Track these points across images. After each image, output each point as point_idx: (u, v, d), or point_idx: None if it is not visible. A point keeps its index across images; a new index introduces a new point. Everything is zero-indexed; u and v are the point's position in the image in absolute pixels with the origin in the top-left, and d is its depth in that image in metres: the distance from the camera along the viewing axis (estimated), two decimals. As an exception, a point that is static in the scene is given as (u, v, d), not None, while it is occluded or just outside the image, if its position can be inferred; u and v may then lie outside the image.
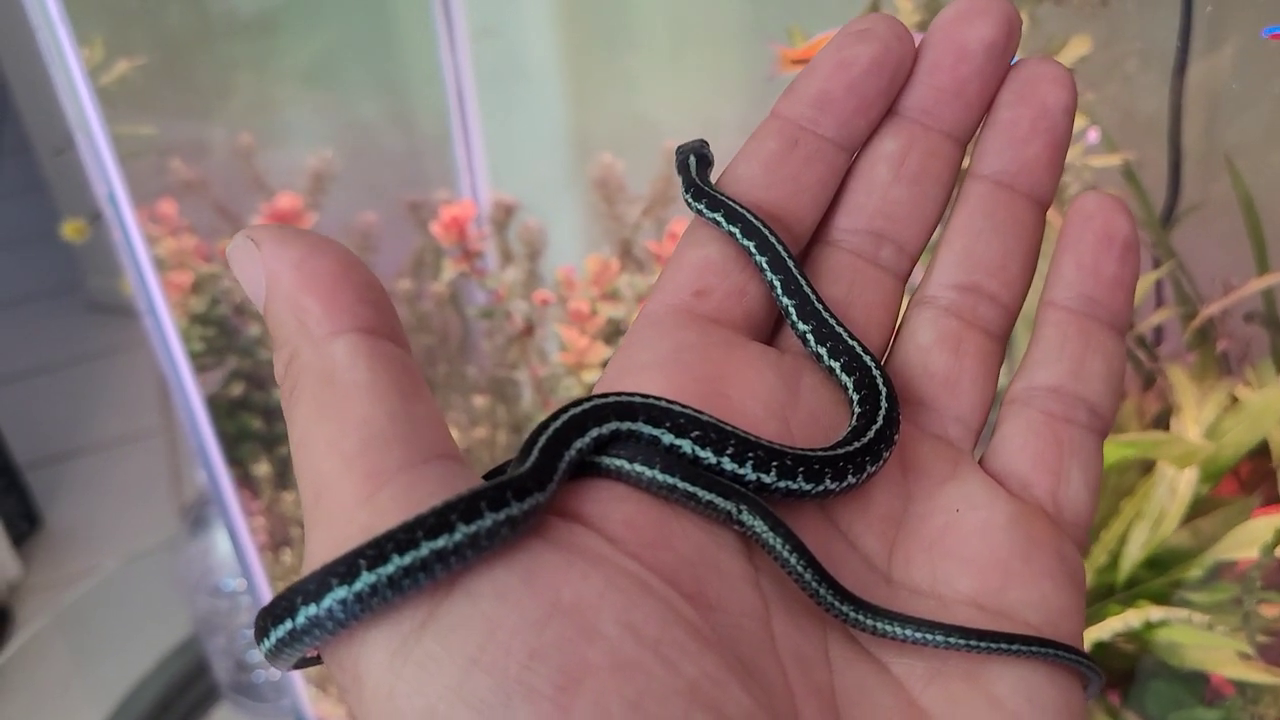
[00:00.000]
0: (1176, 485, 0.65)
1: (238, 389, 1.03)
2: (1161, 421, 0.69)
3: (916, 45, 0.37)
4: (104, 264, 1.94)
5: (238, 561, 1.00)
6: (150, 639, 1.39)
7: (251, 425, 1.02)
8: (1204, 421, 0.65)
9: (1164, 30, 0.76)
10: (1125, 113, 0.81)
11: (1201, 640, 0.62)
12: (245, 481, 0.98)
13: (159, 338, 0.84)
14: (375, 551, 0.24)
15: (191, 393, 0.86)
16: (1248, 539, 0.63)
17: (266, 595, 0.96)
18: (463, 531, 0.25)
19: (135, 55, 0.98)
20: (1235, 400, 0.66)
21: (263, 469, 1.01)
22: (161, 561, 1.48)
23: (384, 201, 1.10)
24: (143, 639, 1.40)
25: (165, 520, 1.63)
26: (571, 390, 0.92)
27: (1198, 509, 0.66)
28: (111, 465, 1.83)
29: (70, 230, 1.19)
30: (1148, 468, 0.68)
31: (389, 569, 0.24)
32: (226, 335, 1.04)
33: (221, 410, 0.96)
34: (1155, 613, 0.62)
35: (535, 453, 0.28)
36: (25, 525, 1.69)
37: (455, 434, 1.01)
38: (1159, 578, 0.65)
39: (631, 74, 1.07)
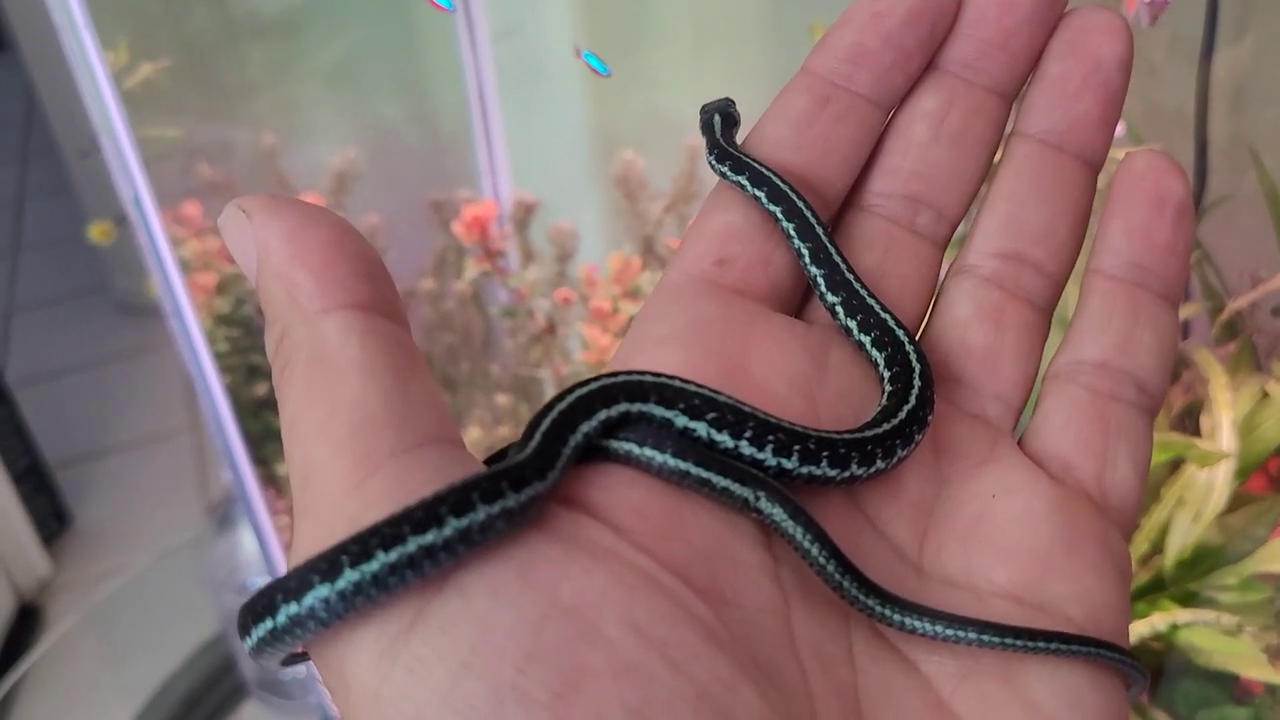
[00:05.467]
0: (1214, 480, 0.64)
1: (262, 389, 1.03)
2: (1190, 415, 0.69)
3: None
4: (131, 265, 1.95)
5: (264, 560, 1.01)
6: (178, 636, 1.40)
7: (276, 425, 1.02)
8: (1239, 413, 0.64)
9: (1190, 21, 0.75)
10: (1151, 105, 0.80)
11: (1225, 646, 0.61)
12: (270, 481, 0.98)
13: (184, 339, 0.84)
14: (359, 547, 0.23)
15: (217, 393, 0.87)
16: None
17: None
18: (453, 526, 0.23)
19: (159, 58, 0.99)
20: (1265, 395, 0.66)
21: (287, 468, 1.01)
22: (189, 559, 1.49)
23: (406, 201, 1.10)
24: (171, 636, 1.41)
25: (192, 518, 1.65)
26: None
27: (1227, 505, 0.65)
28: (139, 464, 1.85)
29: (97, 233, 1.20)
30: (1175, 464, 0.67)
31: (373, 566, 0.23)
32: (251, 335, 1.04)
33: (247, 410, 0.97)
34: (1183, 615, 0.61)
35: (537, 437, 0.26)
36: (55, 524, 1.70)
37: (478, 432, 1.01)
38: (1187, 575, 0.65)
39: (652, 71, 1.07)
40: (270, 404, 1.04)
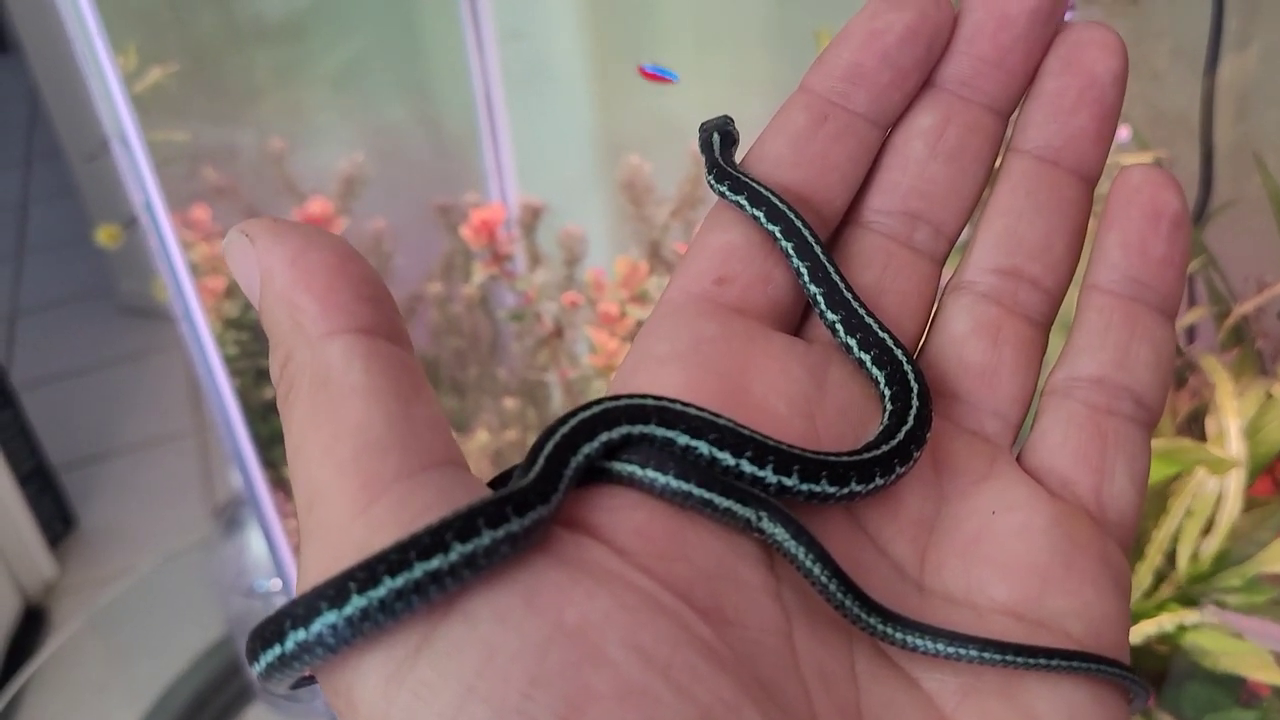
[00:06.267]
0: (1224, 489, 0.64)
1: (271, 392, 1.04)
2: (1195, 420, 0.69)
3: (955, 11, 0.35)
4: (135, 268, 1.96)
5: (272, 563, 1.01)
6: (185, 639, 1.40)
7: (285, 428, 1.02)
8: (1245, 417, 0.65)
9: (1194, 27, 0.75)
10: (1156, 110, 0.81)
11: (1232, 648, 0.61)
12: (279, 483, 0.99)
13: (194, 343, 0.85)
14: (366, 574, 0.23)
15: (227, 397, 0.87)
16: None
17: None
18: (459, 551, 0.23)
19: (167, 62, 0.99)
20: (1270, 398, 0.66)
21: (292, 490, 1.01)
22: (195, 562, 1.50)
23: (413, 205, 1.11)
24: (177, 639, 1.41)
25: (198, 521, 1.65)
26: (601, 392, 0.92)
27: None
28: (144, 467, 1.85)
29: (105, 236, 1.20)
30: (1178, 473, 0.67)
31: (380, 592, 0.23)
32: (259, 339, 1.05)
33: (255, 414, 0.97)
34: (1190, 616, 0.62)
35: (540, 461, 0.26)
36: (60, 526, 1.70)
37: (485, 436, 1.02)
38: (1196, 579, 0.65)
39: (658, 75, 1.07)
40: (277, 407, 1.04)
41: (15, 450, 1.62)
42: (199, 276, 0.98)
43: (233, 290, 1.03)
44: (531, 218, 0.98)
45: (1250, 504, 0.65)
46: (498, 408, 1.03)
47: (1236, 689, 0.65)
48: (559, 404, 1.01)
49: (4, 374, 1.67)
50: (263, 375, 1.05)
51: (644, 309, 0.90)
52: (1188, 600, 0.64)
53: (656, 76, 0.62)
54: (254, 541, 1.24)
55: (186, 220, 1.01)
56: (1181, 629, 0.62)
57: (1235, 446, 0.64)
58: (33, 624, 1.57)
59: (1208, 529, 0.64)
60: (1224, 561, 0.64)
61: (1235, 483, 0.63)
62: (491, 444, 1.00)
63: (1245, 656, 0.62)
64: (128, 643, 1.50)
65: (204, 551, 1.46)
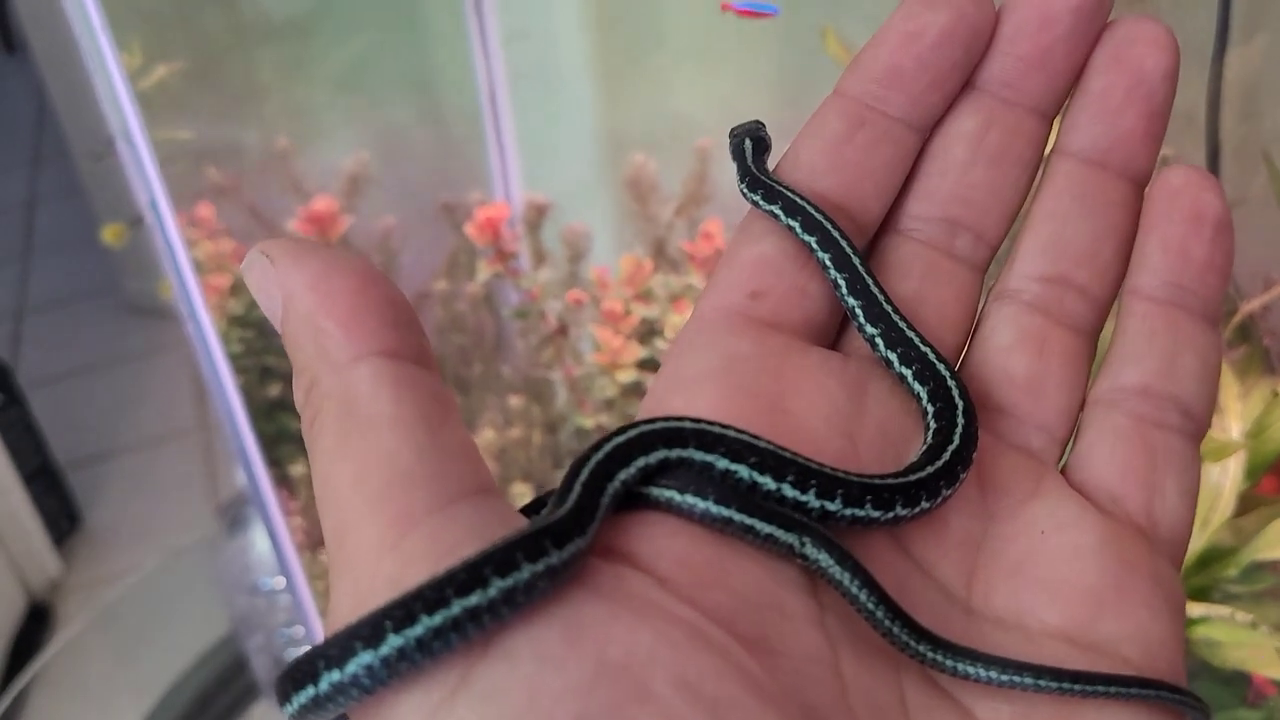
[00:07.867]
0: (1222, 482, 0.64)
1: (275, 390, 1.04)
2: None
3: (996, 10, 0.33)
4: (141, 267, 1.96)
5: (276, 561, 1.01)
6: (189, 637, 1.40)
7: (289, 426, 1.03)
8: (1248, 417, 0.64)
9: (1201, 23, 0.75)
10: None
11: (1240, 639, 0.61)
12: (283, 481, 0.99)
13: (200, 341, 0.85)
14: (402, 612, 0.22)
15: (231, 394, 0.87)
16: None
17: (305, 594, 0.97)
18: (497, 586, 0.23)
19: (172, 60, 0.99)
20: (1276, 395, 0.66)
21: (300, 470, 1.02)
22: (200, 560, 1.50)
23: (418, 203, 1.11)
24: (182, 637, 1.41)
25: (203, 519, 1.65)
26: (605, 390, 0.92)
27: (1239, 506, 0.65)
28: (149, 465, 1.85)
29: (110, 235, 1.20)
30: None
31: (417, 630, 0.22)
32: (265, 337, 1.05)
33: (260, 412, 0.98)
34: (1197, 609, 0.61)
35: (576, 489, 0.26)
36: (66, 524, 1.71)
37: (490, 434, 1.02)
38: (1201, 575, 0.65)
39: (663, 74, 1.07)
40: (283, 406, 1.05)
41: (21, 448, 1.62)
42: (203, 274, 0.98)
43: (237, 288, 1.03)
44: (536, 216, 0.99)
45: (1256, 502, 0.65)
46: (502, 405, 1.04)
47: (1242, 689, 0.65)
48: (563, 402, 1.01)
49: (11, 372, 1.68)
50: (268, 373, 1.05)
51: (648, 307, 0.90)
52: (1196, 594, 0.64)
53: (749, 12, 0.59)
54: (258, 539, 1.25)
55: (191, 218, 1.02)
56: (1190, 623, 0.62)
57: (1236, 437, 0.64)
58: (38, 621, 1.57)
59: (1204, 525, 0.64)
60: (1229, 558, 0.64)
61: (1233, 477, 0.63)
62: (497, 442, 1.00)
63: (1254, 651, 0.61)
64: (132, 640, 1.51)
65: (208, 549, 1.46)
